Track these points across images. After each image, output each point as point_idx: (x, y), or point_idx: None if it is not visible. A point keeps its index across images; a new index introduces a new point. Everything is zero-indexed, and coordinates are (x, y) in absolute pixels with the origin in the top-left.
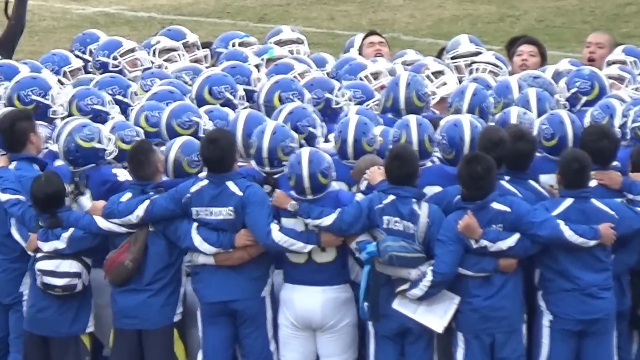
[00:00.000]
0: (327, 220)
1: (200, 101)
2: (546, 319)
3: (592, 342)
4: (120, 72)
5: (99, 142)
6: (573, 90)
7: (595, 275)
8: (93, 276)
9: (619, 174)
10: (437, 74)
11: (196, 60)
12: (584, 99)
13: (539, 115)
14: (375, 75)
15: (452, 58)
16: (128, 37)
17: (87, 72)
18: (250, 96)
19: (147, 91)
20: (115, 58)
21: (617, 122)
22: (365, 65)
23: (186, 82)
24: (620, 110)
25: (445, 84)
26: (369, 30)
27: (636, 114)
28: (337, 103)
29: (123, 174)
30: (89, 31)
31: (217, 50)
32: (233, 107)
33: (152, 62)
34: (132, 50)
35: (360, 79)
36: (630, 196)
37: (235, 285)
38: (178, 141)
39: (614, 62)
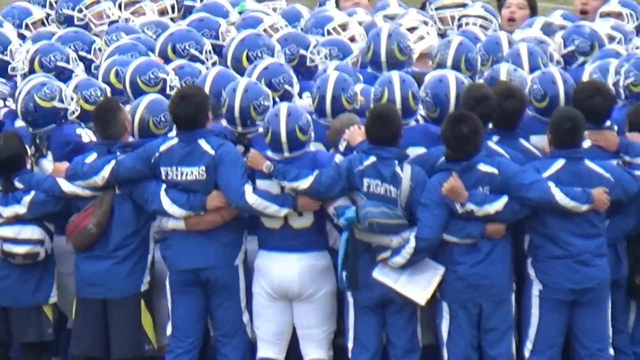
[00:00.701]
0: (305, 183)
1: (164, 59)
2: (536, 288)
3: (584, 313)
4: (86, 25)
5: (60, 101)
6: (571, 48)
7: (588, 242)
8: (56, 243)
9: (615, 134)
10: (411, 30)
11: (162, 11)
12: (581, 58)
13: (531, 71)
14: (344, 27)
15: (436, 9)
16: None
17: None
18: (219, 51)
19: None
20: (80, 10)
21: (611, 80)
22: (332, 17)
23: (151, 37)
24: (614, 67)
25: (422, 38)
26: None
27: (628, 70)
28: (312, 61)
29: (87, 135)
30: None
31: (186, 4)
32: (200, 63)
33: (119, 17)
34: (98, 1)
35: (328, 32)
36: (627, 158)
37: (206, 252)
38: (145, 99)
39: (608, 14)
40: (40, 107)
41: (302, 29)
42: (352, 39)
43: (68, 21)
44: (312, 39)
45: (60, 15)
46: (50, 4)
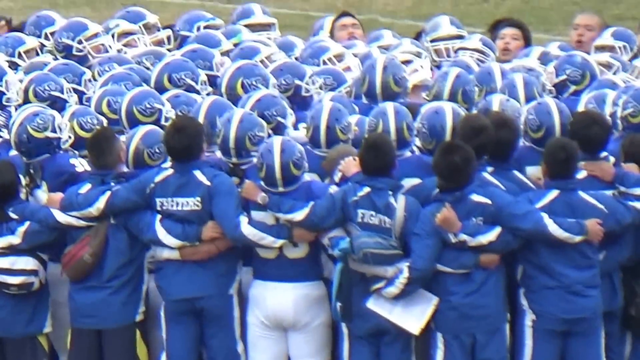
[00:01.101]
0: (299, 215)
1: (160, 89)
2: (529, 318)
3: (577, 343)
4: (84, 57)
5: (53, 131)
6: (562, 78)
7: (580, 273)
8: (49, 271)
9: (610, 165)
10: (406, 63)
11: (158, 42)
12: (572, 87)
13: (527, 102)
14: (339, 57)
15: (432, 41)
16: (88, 18)
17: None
18: (214, 82)
19: None
20: (80, 42)
21: (608, 110)
22: (328, 47)
23: (147, 68)
24: (611, 98)
25: (416, 70)
26: (342, 11)
27: (627, 101)
28: (307, 91)
29: (81, 164)
30: (44, 13)
31: (182, 33)
32: (196, 94)
33: (110, 47)
34: (97, 34)
35: (324, 62)
36: (622, 189)
37: (201, 281)
38: (140, 131)
39: (601, 47)
40: (33, 137)
41: (297, 59)
42: (347, 69)
43: (66, 50)
44: (307, 69)
45: (59, 44)
46: (46, 35)
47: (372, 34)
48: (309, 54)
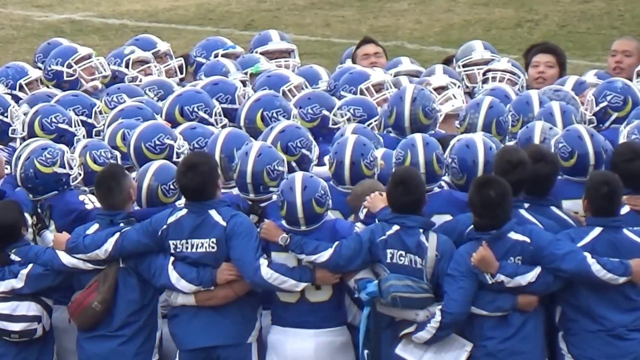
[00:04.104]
0: (323, 256)
1: (172, 122)
2: None
3: None
4: (76, 81)
5: (62, 166)
6: (603, 105)
7: (623, 316)
8: (57, 315)
9: None
10: (440, 89)
11: (169, 71)
12: (614, 114)
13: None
14: (378, 88)
15: (464, 66)
16: (97, 47)
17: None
18: (234, 115)
19: (112, 109)
20: (70, 66)
21: None
22: (368, 75)
23: (151, 99)
24: None
25: (449, 99)
26: (364, 37)
27: None
28: (335, 123)
29: (91, 201)
30: (55, 40)
31: (198, 60)
32: (210, 126)
33: (118, 73)
34: (89, 57)
35: (361, 91)
36: None
37: (218, 329)
38: (152, 166)
39: None
40: (41, 173)
41: (329, 87)
42: (385, 101)
43: (57, 77)
44: (336, 100)
45: (49, 72)
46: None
47: (391, 60)
48: (345, 81)
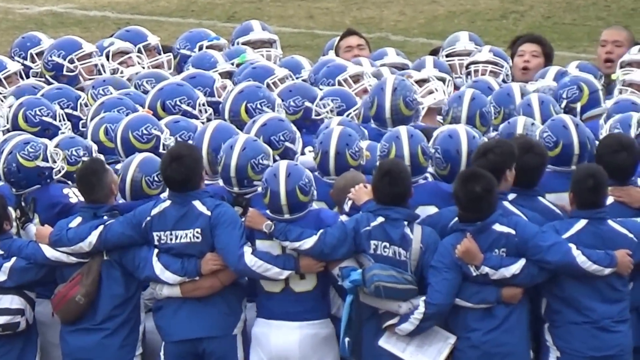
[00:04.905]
0: (308, 243)
1: (154, 116)
2: (553, 356)
3: None
4: (74, 78)
5: (44, 160)
6: (564, 104)
7: (609, 307)
8: (40, 309)
9: (639, 190)
10: (422, 82)
11: (157, 66)
12: (578, 105)
13: (543, 121)
14: (356, 78)
15: (447, 56)
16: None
17: (27, 78)
18: (215, 108)
19: None
20: (72, 61)
21: (633, 131)
22: (345, 67)
23: (147, 92)
24: (636, 119)
25: (431, 92)
26: (347, 29)
27: None
28: (318, 114)
29: (75, 195)
30: (30, 34)
31: (182, 52)
32: (195, 119)
33: (102, 66)
34: (90, 55)
35: (339, 83)
36: None
37: (204, 321)
38: (136, 159)
39: (628, 64)
40: (24, 167)
41: (309, 80)
42: (365, 91)
43: (56, 69)
44: (318, 91)
45: (48, 62)
46: (32, 57)
47: (376, 52)
48: (323, 74)
